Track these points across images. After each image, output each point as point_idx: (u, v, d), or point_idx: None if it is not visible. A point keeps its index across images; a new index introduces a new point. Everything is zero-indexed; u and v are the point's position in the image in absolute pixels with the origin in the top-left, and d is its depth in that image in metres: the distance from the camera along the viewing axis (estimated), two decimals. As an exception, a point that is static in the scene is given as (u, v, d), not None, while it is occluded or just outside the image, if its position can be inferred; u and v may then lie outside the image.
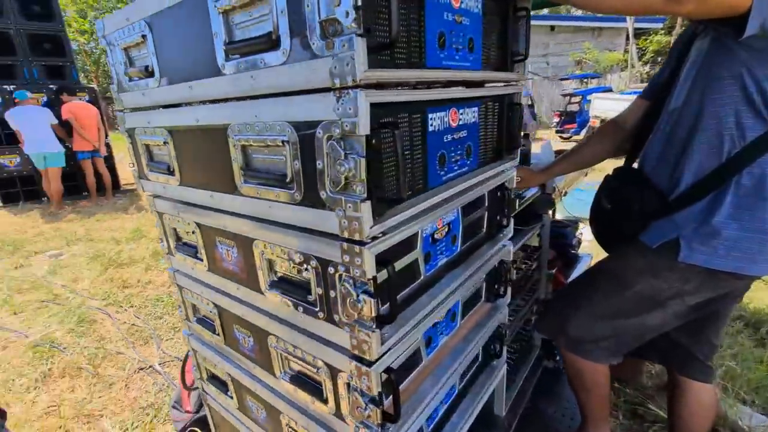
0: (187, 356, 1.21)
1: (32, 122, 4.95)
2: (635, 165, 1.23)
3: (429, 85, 0.68)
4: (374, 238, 0.56)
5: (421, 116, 0.64)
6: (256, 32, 0.55)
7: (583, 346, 1.22)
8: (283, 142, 0.57)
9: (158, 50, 0.75)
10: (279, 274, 0.70)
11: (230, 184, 0.70)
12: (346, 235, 0.54)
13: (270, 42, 0.53)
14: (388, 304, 0.60)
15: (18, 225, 4.93)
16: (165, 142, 0.82)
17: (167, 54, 0.73)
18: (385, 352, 0.63)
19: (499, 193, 1.00)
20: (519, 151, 0.99)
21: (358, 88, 0.46)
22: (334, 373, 0.67)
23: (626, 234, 1.16)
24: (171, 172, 0.84)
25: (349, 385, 0.65)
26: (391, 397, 0.66)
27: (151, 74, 0.78)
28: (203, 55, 0.64)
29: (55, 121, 5.14)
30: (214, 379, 1.07)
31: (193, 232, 0.87)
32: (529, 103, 11.80)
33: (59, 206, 5.43)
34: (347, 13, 0.43)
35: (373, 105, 0.49)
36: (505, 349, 1.17)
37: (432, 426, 0.93)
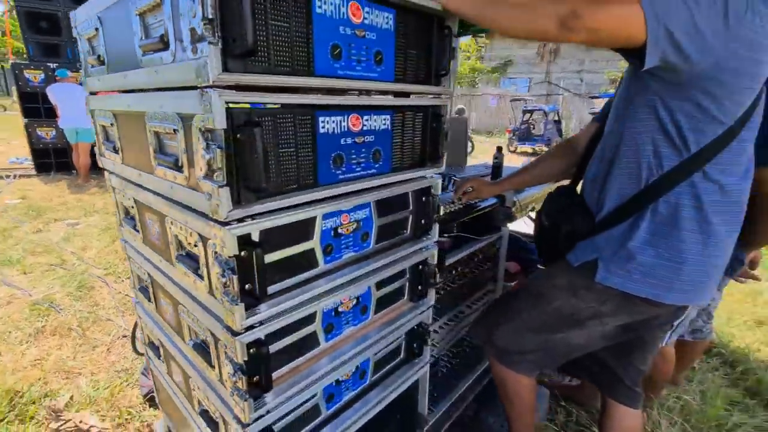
0: (136, 324, 1.32)
1: (69, 99, 5.30)
2: (579, 186, 1.26)
3: (329, 91, 0.75)
4: (241, 221, 0.64)
5: (310, 119, 0.71)
6: (157, 34, 0.64)
7: (509, 356, 1.26)
8: (174, 130, 0.65)
9: (106, 42, 0.85)
10: (183, 249, 0.79)
11: (149, 165, 0.79)
12: (213, 216, 0.62)
13: (163, 43, 0.62)
14: (255, 282, 0.67)
15: (46, 193, 5.29)
16: (112, 124, 0.92)
17: (111, 46, 0.84)
18: (253, 326, 0.70)
19: (424, 198, 1.05)
20: (444, 159, 1.04)
21: (212, 88, 0.54)
22: (216, 340, 0.75)
23: (559, 252, 1.19)
24: (116, 151, 0.95)
25: (219, 353, 0.72)
26: (268, 364, 0.73)
27: (102, 62, 0.89)
28: (130, 50, 0.74)
29: (89, 100, 5.47)
30: (152, 345, 1.17)
31: (132, 207, 0.97)
32: (556, 118, 11.65)
33: (86, 179, 5.78)
34: (201, 24, 0.51)
35: (239, 104, 0.57)
36: (427, 348, 1.22)
37: (333, 408, 0.99)
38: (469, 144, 12.31)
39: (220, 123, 0.55)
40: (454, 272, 1.43)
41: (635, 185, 1.00)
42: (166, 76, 0.64)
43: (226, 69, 0.55)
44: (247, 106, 0.59)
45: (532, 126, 11.73)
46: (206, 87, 0.55)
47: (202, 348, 0.84)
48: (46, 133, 6.04)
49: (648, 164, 0.97)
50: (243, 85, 0.58)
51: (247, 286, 0.68)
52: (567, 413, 1.87)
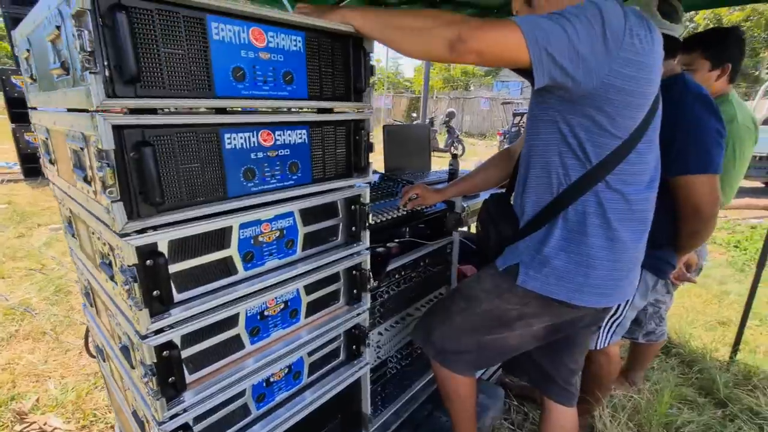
0: (87, 328, 1.37)
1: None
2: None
3: (233, 110, 0.81)
4: (141, 231, 0.69)
5: (215, 136, 0.76)
6: (61, 60, 0.69)
7: (446, 356, 1.31)
8: (81, 148, 0.70)
9: (36, 63, 0.90)
10: (104, 256, 0.84)
11: (72, 178, 0.84)
12: (113, 228, 0.67)
13: (65, 69, 0.67)
14: (162, 289, 0.72)
15: (32, 198, 5.32)
16: (46, 138, 0.97)
17: (38, 66, 0.89)
18: (163, 330, 0.75)
19: (353, 207, 1.11)
20: (370, 169, 1.10)
21: (98, 112, 0.59)
22: (132, 344, 0.80)
23: (489, 257, 1.25)
24: (53, 164, 1.00)
25: (135, 356, 0.77)
26: (180, 365, 0.79)
27: (34, 80, 0.94)
28: (49, 72, 0.79)
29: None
30: (98, 348, 1.22)
31: (69, 216, 1.02)
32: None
33: (72, 184, 5.80)
34: (81, 56, 0.56)
35: (132, 126, 0.63)
36: (366, 350, 1.26)
37: (264, 407, 1.04)
38: (460, 147, 12.41)
39: (107, 144, 0.61)
40: (399, 275, 1.48)
41: (548, 194, 1.05)
42: (71, 99, 0.69)
43: (114, 95, 0.60)
44: (136, 127, 0.64)
45: (522, 128, 11.83)
46: (94, 111, 0.60)
47: (126, 350, 0.89)
48: (33, 138, 6.07)
49: (557, 174, 1.02)
50: (135, 108, 0.63)
51: (155, 292, 0.73)
52: (524, 414, 1.92)
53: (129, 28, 0.59)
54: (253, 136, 0.83)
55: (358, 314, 1.21)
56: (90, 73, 0.57)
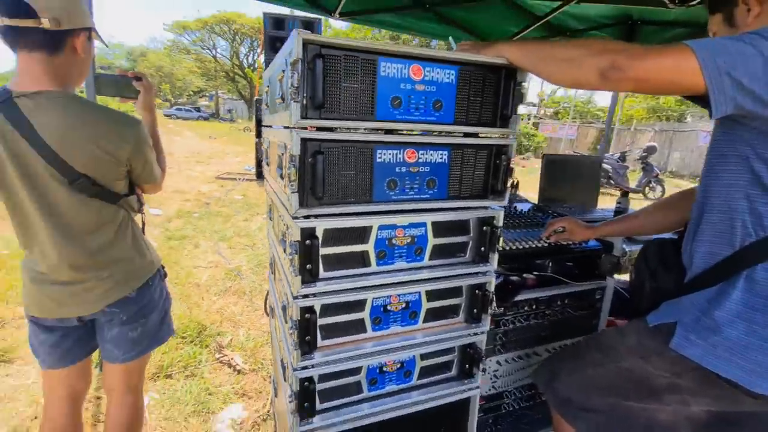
0: (268, 291, 1.78)
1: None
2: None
3: (388, 131, 0.98)
4: (306, 218, 0.92)
5: (370, 151, 0.95)
6: (282, 93, 0.99)
7: (570, 409, 1.20)
8: (282, 153, 0.99)
9: (269, 95, 1.29)
10: (282, 235, 1.13)
11: (275, 175, 1.16)
12: (290, 212, 0.92)
13: (282, 99, 0.96)
14: (314, 264, 0.94)
15: (258, 194, 7.05)
16: (267, 147, 1.36)
17: (270, 97, 1.27)
18: (308, 296, 0.97)
19: (484, 227, 1.15)
20: (507, 194, 1.12)
21: (294, 129, 0.84)
22: (288, 303, 1.05)
23: (641, 310, 1.10)
24: (268, 165, 1.38)
25: (288, 313, 1.01)
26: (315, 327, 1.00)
27: (267, 107, 1.33)
28: (275, 100, 1.13)
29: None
30: (271, 309, 1.59)
31: (271, 204, 1.39)
32: None
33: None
34: (290, 90, 0.82)
35: (314, 139, 0.86)
36: (479, 372, 1.26)
37: (375, 392, 1.17)
38: (659, 188, 10.40)
39: (295, 150, 0.85)
40: (530, 309, 1.42)
41: (728, 246, 0.88)
42: (282, 119, 0.98)
43: (305, 116, 0.84)
44: (316, 140, 0.87)
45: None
46: (291, 128, 0.85)
47: (284, 309, 1.15)
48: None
49: (743, 223, 0.85)
50: (318, 127, 0.86)
51: (308, 266, 0.95)
52: None
53: (323, 70, 0.82)
54: (400, 153, 0.98)
55: (476, 334, 1.23)
56: (293, 101, 0.82)
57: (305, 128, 0.86)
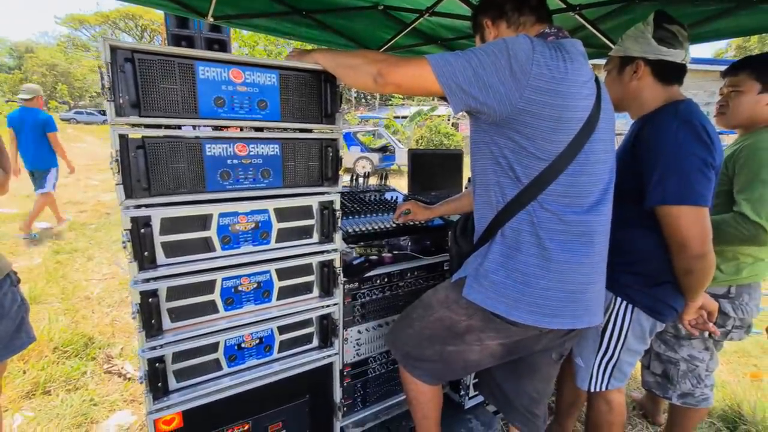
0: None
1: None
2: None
3: (215, 128, 1.10)
4: (137, 207, 1.00)
5: (198, 145, 1.06)
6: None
7: (409, 360, 1.39)
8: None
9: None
10: (131, 228, 1.19)
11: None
12: (119, 203, 1.00)
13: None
14: (147, 251, 1.03)
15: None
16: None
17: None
18: (148, 280, 1.05)
19: (325, 211, 1.31)
20: (340, 181, 1.30)
21: (113, 126, 0.93)
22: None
23: (452, 272, 1.33)
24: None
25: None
26: (159, 310, 1.08)
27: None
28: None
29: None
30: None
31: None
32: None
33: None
34: (102, 87, 0.90)
35: (133, 136, 0.95)
36: (336, 340, 1.43)
37: (234, 367, 1.28)
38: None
39: (114, 146, 0.93)
40: (383, 282, 1.62)
41: (490, 212, 1.12)
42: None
43: (121, 114, 0.93)
44: (139, 136, 0.96)
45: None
46: (111, 124, 0.93)
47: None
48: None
49: (494, 193, 1.09)
50: (134, 123, 0.96)
51: (145, 253, 1.04)
52: (631, 424, 1.84)
53: (135, 73, 0.92)
54: (230, 147, 1.11)
55: (328, 306, 1.40)
56: (107, 101, 0.90)
57: (123, 125, 0.95)
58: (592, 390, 1.48)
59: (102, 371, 2.28)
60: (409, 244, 1.80)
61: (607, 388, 1.46)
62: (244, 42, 13.42)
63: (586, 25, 2.19)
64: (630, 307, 1.32)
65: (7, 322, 1.35)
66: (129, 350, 2.50)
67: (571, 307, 1.07)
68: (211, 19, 2.14)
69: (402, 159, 11.36)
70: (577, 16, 2.13)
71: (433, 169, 2.28)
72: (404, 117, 17.27)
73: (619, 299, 1.34)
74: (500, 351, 1.22)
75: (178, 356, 1.17)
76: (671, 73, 1.27)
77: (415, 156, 2.20)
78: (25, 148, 4.27)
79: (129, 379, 2.21)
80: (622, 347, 1.39)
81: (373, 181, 2.20)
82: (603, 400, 1.50)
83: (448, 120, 17.11)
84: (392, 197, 2.03)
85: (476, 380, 1.81)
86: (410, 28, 2.52)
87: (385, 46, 2.77)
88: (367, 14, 2.50)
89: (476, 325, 1.18)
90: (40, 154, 4.32)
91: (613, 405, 1.50)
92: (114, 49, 0.90)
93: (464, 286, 1.17)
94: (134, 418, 1.94)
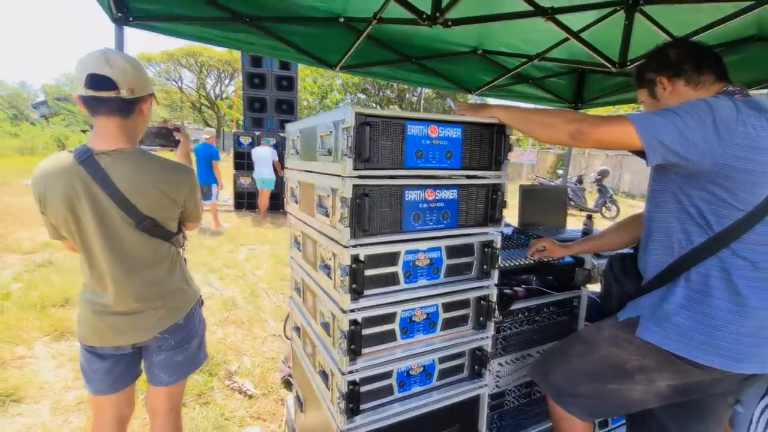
0: (288, 315, 1.96)
1: (262, 158, 7.18)
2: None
3: (413, 176, 1.25)
4: (354, 246, 1.15)
5: (400, 191, 1.21)
6: (326, 147, 1.24)
7: (563, 396, 1.44)
8: (327, 195, 1.23)
9: (301, 143, 1.53)
10: (323, 261, 1.35)
11: (313, 212, 1.39)
12: (341, 242, 1.15)
13: (329, 153, 1.21)
14: (358, 284, 1.17)
15: (237, 225, 7.08)
16: (296, 187, 1.60)
17: (303, 146, 1.51)
18: (354, 310, 1.19)
19: (485, 249, 1.42)
20: (503, 221, 1.40)
21: (347, 177, 1.09)
22: (333, 318, 1.26)
23: (612, 310, 1.39)
24: (296, 202, 1.61)
25: (335, 326, 1.23)
26: (360, 337, 1.21)
27: (297, 153, 1.58)
28: (313, 151, 1.37)
29: (276, 158, 7.31)
30: (296, 328, 1.77)
31: (299, 235, 1.61)
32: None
33: (264, 216, 7.53)
34: (346, 148, 1.07)
35: (361, 185, 1.11)
36: (486, 372, 1.50)
37: (403, 393, 1.38)
38: (614, 207, 11.27)
39: (348, 194, 1.09)
40: (523, 316, 1.68)
41: (669, 257, 1.18)
42: (328, 168, 1.23)
43: (355, 168, 1.10)
44: (363, 185, 1.12)
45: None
46: (345, 176, 1.10)
47: (326, 325, 1.36)
48: (245, 180, 8.15)
49: (678, 239, 1.16)
50: (362, 175, 1.12)
51: (354, 285, 1.18)
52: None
53: (368, 134, 1.09)
54: (422, 193, 1.25)
55: (482, 338, 1.48)
56: (347, 157, 1.07)
57: (356, 176, 1.11)
58: None
59: (225, 387, 2.45)
60: (534, 279, 1.87)
61: (764, 436, 1.43)
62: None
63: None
64: None
65: (196, 341, 1.54)
66: (243, 369, 2.67)
67: (763, 352, 1.09)
68: (338, 69, 2.39)
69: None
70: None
71: (541, 204, 2.35)
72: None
73: None
74: (668, 392, 1.24)
75: (363, 380, 1.29)
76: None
77: (525, 191, 2.29)
78: (199, 171, 6.41)
79: (251, 396, 2.37)
80: None
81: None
82: None
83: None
84: (510, 232, 2.12)
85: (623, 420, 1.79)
86: (513, 72, 2.67)
87: (484, 88, 2.93)
88: (469, 59, 2.68)
89: (649, 365, 1.22)
90: (207, 175, 6.58)
91: None
92: (357, 115, 1.07)
93: (638, 326, 1.22)
94: (264, 435, 2.07)
